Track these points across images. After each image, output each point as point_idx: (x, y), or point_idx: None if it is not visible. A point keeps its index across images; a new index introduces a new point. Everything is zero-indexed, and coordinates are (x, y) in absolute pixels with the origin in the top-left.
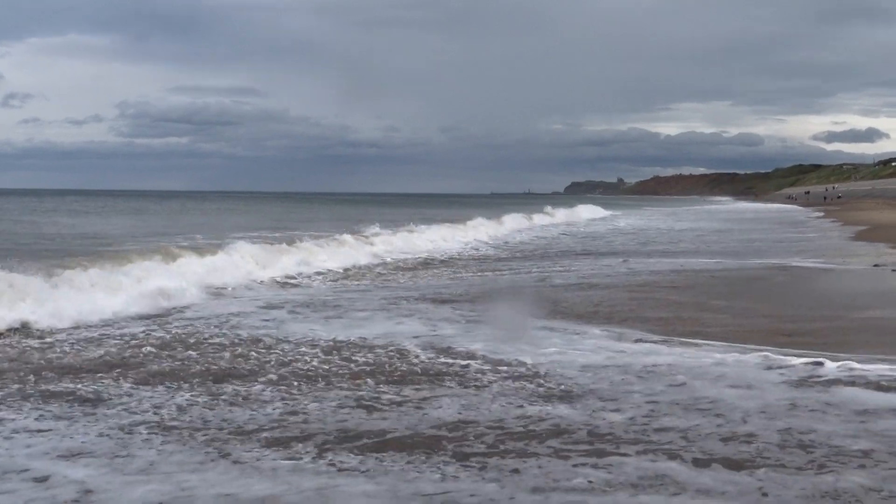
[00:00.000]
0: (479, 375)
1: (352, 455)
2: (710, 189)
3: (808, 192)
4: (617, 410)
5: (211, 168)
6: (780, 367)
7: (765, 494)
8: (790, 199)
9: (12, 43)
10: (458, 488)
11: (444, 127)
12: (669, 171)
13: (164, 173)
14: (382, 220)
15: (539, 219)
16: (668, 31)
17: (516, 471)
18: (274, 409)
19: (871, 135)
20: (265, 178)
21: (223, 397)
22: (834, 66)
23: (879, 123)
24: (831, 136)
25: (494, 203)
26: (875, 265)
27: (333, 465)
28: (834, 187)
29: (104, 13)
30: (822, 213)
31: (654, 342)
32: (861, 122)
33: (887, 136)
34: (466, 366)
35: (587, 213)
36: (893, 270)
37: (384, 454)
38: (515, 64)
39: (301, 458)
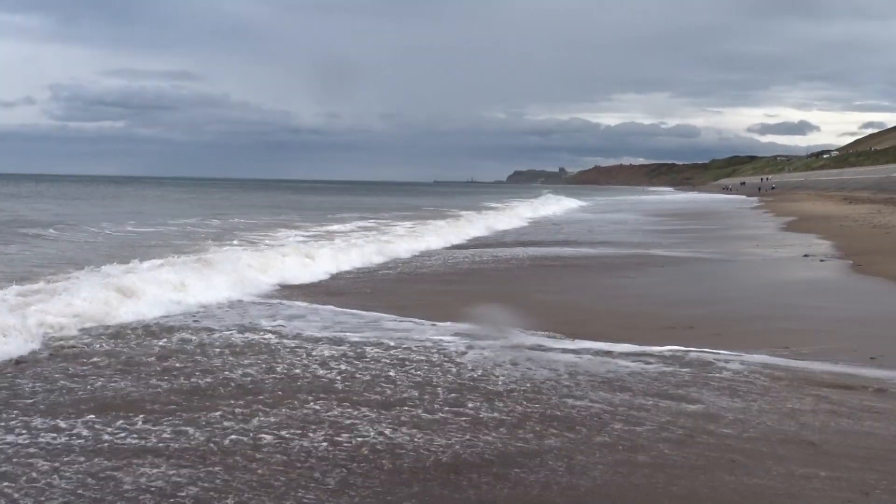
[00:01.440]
0: None
1: None
2: (650, 179)
3: (743, 183)
4: None
5: (147, 154)
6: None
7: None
8: (726, 190)
9: None
10: None
11: (385, 114)
12: (610, 162)
13: (99, 158)
14: (349, 209)
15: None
16: (610, 21)
17: None
18: None
19: (802, 127)
20: (204, 164)
21: None
22: (769, 58)
23: (811, 116)
24: (765, 129)
25: (446, 192)
26: (805, 255)
27: None
28: (768, 178)
29: None
30: (757, 204)
31: None
32: (794, 115)
33: (818, 128)
34: None
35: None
36: (822, 260)
37: None
38: (458, 52)
39: None
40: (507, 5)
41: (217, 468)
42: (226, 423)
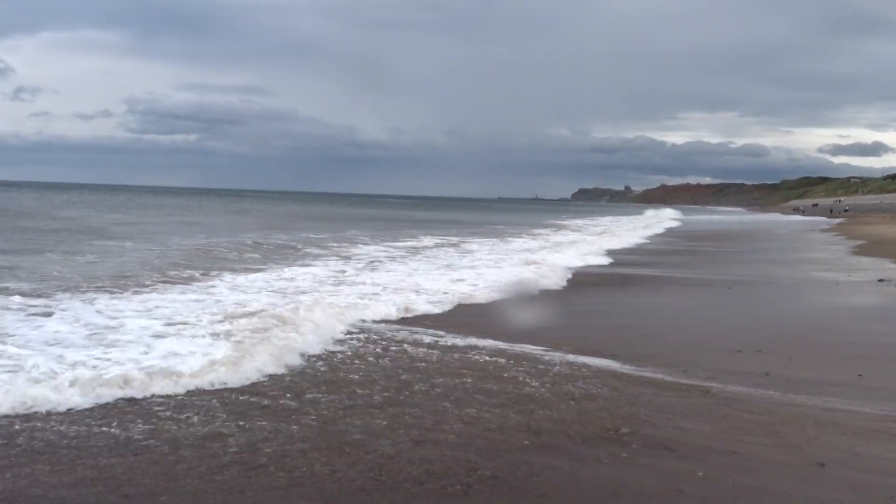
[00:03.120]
0: None
1: None
2: (717, 199)
3: (815, 205)
4: None
5: (217, 166)
6: None
7: None
8: (798, 211)
9: (23, 37)
10: None
11: (449, 129)
12: (676, 180)
13: (171, 170)
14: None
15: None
16: (676, 39)
17: None
18: None
19: (876, 148)
20: (271, 177)
21: None
22: (842, 78)
23: (885, 137)
24: (837, 149)
25: (518, 209)
26: (880, 280)
27: None
28: (840, 200)
29: (114, 8)
30: (828, 227)
31: None
32: (867, 136)
33: (893, 150)
34: None
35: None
36: None
37: None
38: (523, 69)
39: None
40: (572, 21)
41: None
42: None
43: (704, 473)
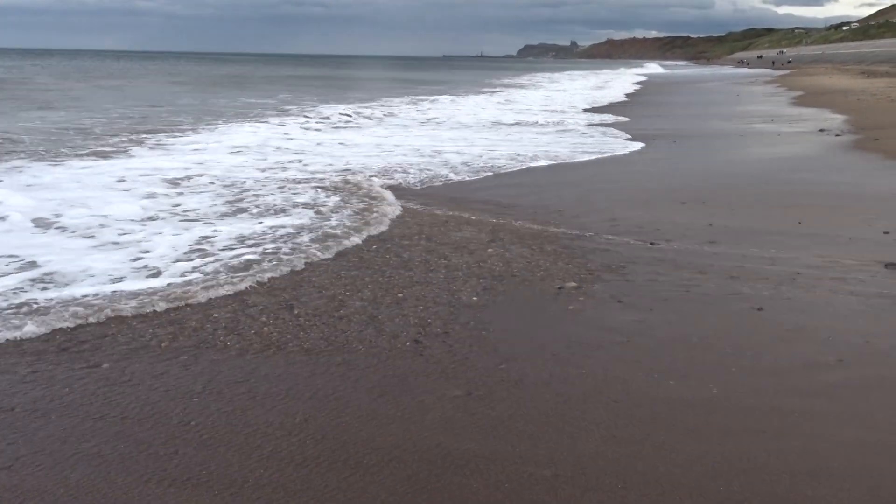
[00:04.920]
0: None
1: None
2: (663, 53)
3: (760, 57)
4: None
5: (148, 26)
6: None
7: None
8: (742, 64)
9: None
10: None
11: None
12: (623, 35)
13: (99, 32)
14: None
15: None
16: None
17: None
18: None
19: None
20: (207, 39)
21: None
22: None
23: None
24: (780, 0)
25: (468, 66)
26: (820, 130)
27: None
28: (783, 52)
29: None
30: (772, 79)
31: None
32: None
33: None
34: None
35: None
36: (837, 135)
37: None
38: None
39: None
40: None
41: None
42: None
43: (649, 320)
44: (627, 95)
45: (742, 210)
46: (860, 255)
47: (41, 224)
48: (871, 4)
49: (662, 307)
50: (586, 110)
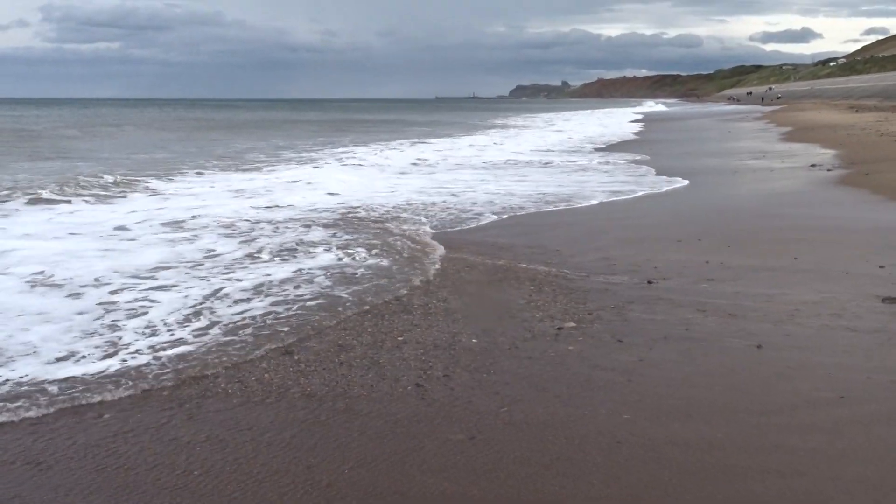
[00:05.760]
0: None
1: None
2: (654, 91)
3: (750, 93)
4: None
5: (144, 75)
6: None
7: None
8: (731, 100)
9: None
10: None
11: (382, 31)
12: (613, 74)
13: (96, 81)
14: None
15: None
16: None
17: None
18: None
19: (805, 35)
20: (201, 85)
21: None
22: None
23: (814, 23)
24: (767, 37)
25: (461, 108)
26: (812, 165)
27: None
28: (771, 88)
29: None
30: (760, 115)
31: None
32: (796, 22)
33: (821, 36)
34: None
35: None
36: (829, 170)
37: None
38: None
39: None
40: None
41: None
42: None
43: (649, 359)
44: (634, 133)
45: (738, 247)
46: (857, 289)
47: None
48: (855, 41)
49: (662, 346)
50: (598, 149)
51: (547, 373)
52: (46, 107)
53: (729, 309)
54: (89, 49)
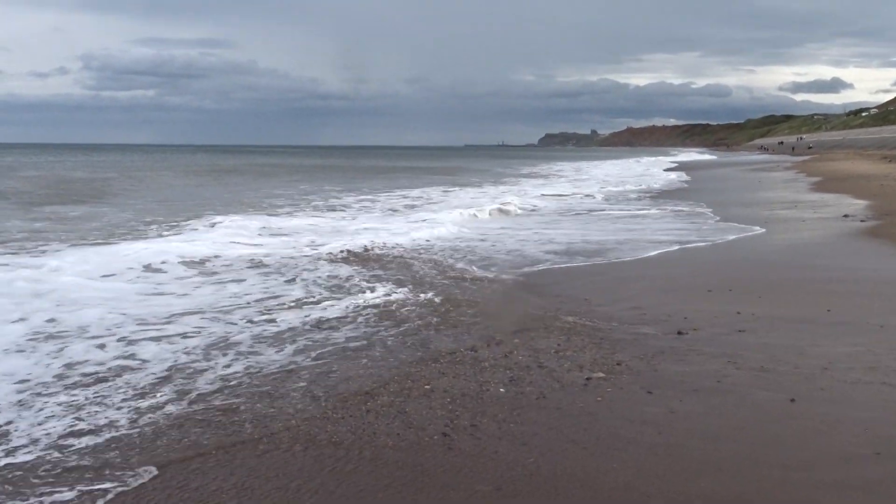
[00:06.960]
0: None
1: None
2: (683, 140)
3: (781, 143)
4: None
5: (178, 122)
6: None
7: None
8: (762, 150)
9: None
10: None
11: (412, 78)
12: (641, 123)
13: (132, 127)
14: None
15: None
16: None
17: None
18: None
19: (835, 85)
20: (234, 132)
21: None
22: (803, 14)
23: (844, 73)
24: (797, 87)
25: (492, 155)
26: (845, 216)
27: None
28: (802, 138)
29: None
30: (791, 165)
31: None
32: (826, 73)
33: (851, 86)
34: None
35: None
36: (862, 221)
37: None
38: (485, 14)
39: None
40: None
41: None
42: None
43: (680, 411)
44: (670, 182)
45: (769, 297)
46: (893, 343)
47: None
48: (886, 91)
49: (692, 399)
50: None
51: (575, 424)
52: (84, 153)
53: (761, 361)
54: (126, 96)
